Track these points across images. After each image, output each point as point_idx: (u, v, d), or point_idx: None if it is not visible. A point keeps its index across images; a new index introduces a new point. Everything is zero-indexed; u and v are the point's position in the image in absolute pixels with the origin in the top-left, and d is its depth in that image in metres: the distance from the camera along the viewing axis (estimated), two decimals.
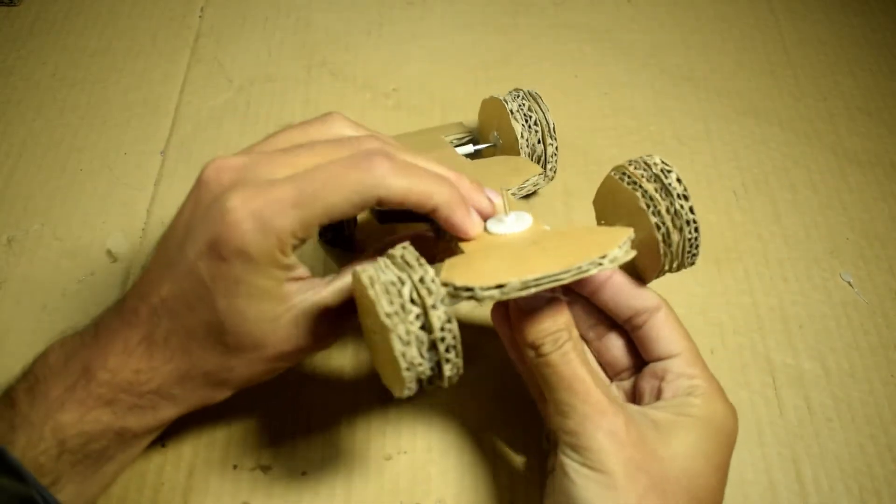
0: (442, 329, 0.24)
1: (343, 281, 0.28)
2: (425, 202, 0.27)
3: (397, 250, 0.26)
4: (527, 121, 0.40)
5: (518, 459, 0.34)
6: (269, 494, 0.33)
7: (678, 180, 0.28)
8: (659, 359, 0.30)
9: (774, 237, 0.43)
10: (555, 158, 0.41)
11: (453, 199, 0.28)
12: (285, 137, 0.29)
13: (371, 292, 0.24)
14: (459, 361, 0.25)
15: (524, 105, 0.41)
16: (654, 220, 0.29)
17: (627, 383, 0.32)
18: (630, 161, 0.30)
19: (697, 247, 0.30)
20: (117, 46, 0.53)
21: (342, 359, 0.37)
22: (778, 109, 0.50)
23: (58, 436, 0.26)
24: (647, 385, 0.30)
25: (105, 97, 0.50)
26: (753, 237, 0.43)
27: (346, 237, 0.40)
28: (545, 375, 0.28)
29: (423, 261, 0.25)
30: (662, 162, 0.29)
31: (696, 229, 0.29)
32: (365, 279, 0.24)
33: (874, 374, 0.38)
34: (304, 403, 0.36)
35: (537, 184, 0.38)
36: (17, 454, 0.26)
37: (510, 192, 0.34)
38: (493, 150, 0.43)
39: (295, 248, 0.27)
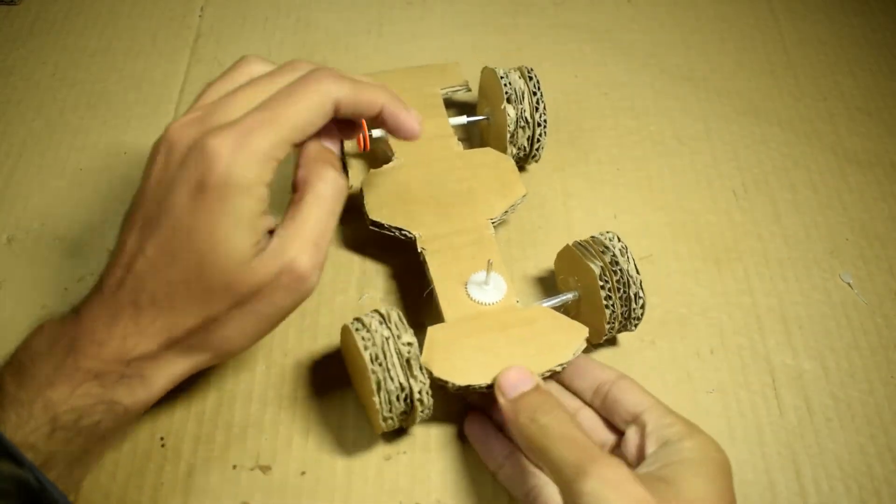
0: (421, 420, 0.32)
1: (299, 216, 0.29)
2: (374, 102, 0.30)
3: (404, 345, 0.30)
4: (518, 99, 0.41)
5: None
6: (269, 494, 0.33)
7: (638, 297, 0.34)
8: (631, 418, 0.31)
9: (774, 237, 0.43)
10: (543, 139, 0.42)
11: (395, 98, 0.31)
12: (216, 90, 0.30)
13: (376, 399, 0.30)
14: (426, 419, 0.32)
15: (518, 83, 0.41)
16: (607, 319, 0.34)
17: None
18: (604, 248, 0.34)
19: (635, 328, 0.36)
20: (117, 46, 0.53)
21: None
22: (778, 109, 0.50)
23: (49, 413, 0.26)
24: (631, 445, 0.30)
25: (105, 97, 0.50)
26: (753, 237, 0.43)
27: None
28: (537, 442, 0.28)
29: (423, 367, 0.30)
30: (636, 268, 0.34)
31: (638, 323, 0.35)
32: (373, 381, 0.30)
33: (874, 375, 0.38)
34: (303, 403, 0.36)
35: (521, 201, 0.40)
36: (8, 434, 0.25)
37: (494, 221, 0.38)
38: (487, 124, 0.45)
39: (273, 168, 0.28)
